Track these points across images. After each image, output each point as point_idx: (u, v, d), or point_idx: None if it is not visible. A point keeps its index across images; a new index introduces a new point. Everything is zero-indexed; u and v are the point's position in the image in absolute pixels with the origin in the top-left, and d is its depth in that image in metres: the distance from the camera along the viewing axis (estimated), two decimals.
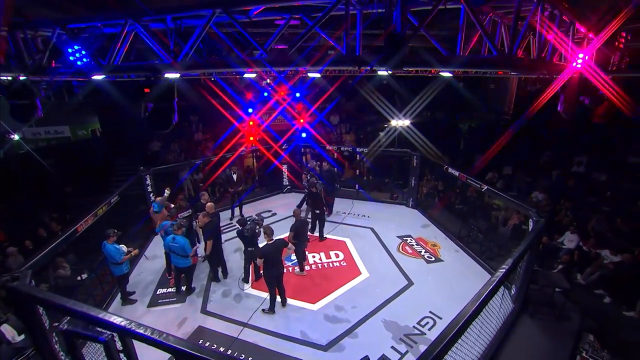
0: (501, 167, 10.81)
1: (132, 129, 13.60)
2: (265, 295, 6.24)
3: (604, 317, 6.12)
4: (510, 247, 7.53)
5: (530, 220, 5.62)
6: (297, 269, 7.22)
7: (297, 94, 13.00)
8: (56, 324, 5.72)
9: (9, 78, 4.51)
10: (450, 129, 14.00)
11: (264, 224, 6.50)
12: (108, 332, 3.54)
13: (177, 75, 4.83)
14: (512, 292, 5.86)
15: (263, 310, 6.09)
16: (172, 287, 6.78)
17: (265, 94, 12.83)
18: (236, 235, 6.85)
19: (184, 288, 6.65)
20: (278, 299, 6.11)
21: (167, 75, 4.58)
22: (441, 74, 6.38)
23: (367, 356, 3.08)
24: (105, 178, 12.52)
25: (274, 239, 5.80)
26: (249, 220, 6.53)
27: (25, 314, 4.31)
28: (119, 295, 6.55)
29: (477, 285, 6.41)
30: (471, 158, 11.96)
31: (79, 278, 7.18)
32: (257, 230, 6.38)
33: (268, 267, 5.75)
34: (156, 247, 8.11)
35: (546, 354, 5.07)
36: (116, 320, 3.47)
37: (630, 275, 6.47)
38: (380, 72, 3.72)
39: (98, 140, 15.31)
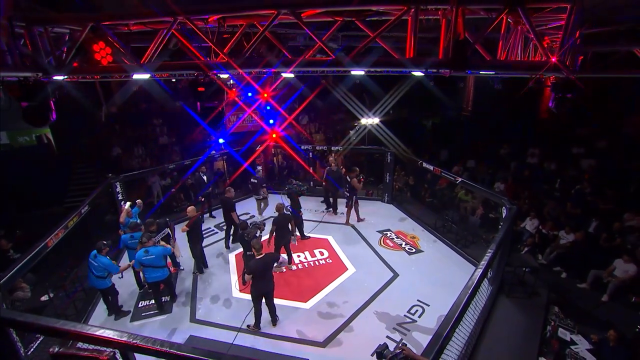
0: (465, 161, 11.58)
1: (89, 134, 12.64)
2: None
3: (564, 291, 6.87)
4: (482, 235, 8.20)
5: (504, 208, 6.14)
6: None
7: (266, 95, 12.85)
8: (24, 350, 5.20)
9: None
10: (415, 126, 14.72)
11: (256, 234, 6.21)
12: (109, 350, 3.32)
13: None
14: (489, 275, 6.35)
15: (248, 326, 5.72)
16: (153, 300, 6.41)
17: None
18: (237, 239, 6.63)
19: (166, 299, 6.35)
20: (266, 315, 5.77)
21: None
22: (413, 73, 6.75)
23: (385, 343, 3.21)
24: (60, 188, 11.49)
25: (264, 253, 5.46)
26: (250, 225, 6.38)
27: None
28: (95, 313, 6.11)
29: (458, 272, 7.03)
30: (437, 153, 12.70)
31: (43, 298, 6.57)
32: (257, 235, 6.23)
33: (256, 283, 5.43)
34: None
35: (523, 327, 5.59)
36: (117, 336, 3.27)
37: (581, 252, 7.31)
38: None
39: (46, 147, 13.94)
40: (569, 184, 9.49)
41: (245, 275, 5.43)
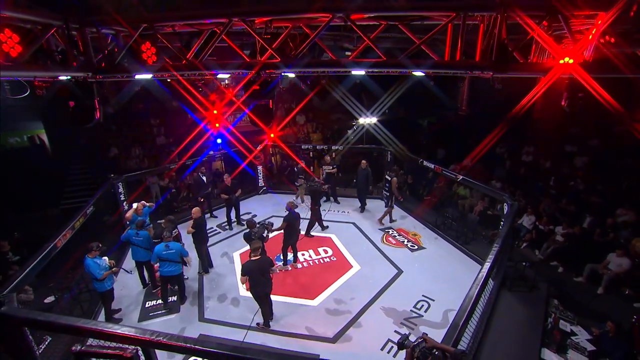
0: (461, 159, 11.81)
1: (86, 135, 12.45)
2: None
3: (562, 284, 7.10)
4: (481, 231, 8.39)
5: (505, 204, 6.32)
6: (280, 264, 7.34)
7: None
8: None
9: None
10: (413, 125, 14.95)
11: (263, 234, 6.27)
12: (132, 347, 3.35)
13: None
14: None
15: (257, 324, 5.79)
16: (160, 299, 6.40)
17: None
18: (243, 237, 6.62)
19: (172, 299, 6.35)
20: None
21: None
22: (414, 73, 6.87)
23: (405, 334, 3.31)
24: (55, 190, 11.32)
25: (260, 256, 5.42)
26: (258, 224, 6.41)
27: (13, 342, 3.87)
28: (102, 313, 6.08)
29: (460, 268, 7.21)
30: (434, 151, 12.92)
31: (47, 300, 6.51)
32: (264, 235, 6.27)
33: (253, 286, 5.38)
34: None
35: (526, 319, 5.78)
36: (141, 333, 3.31)
37: (577, 247, 7.55)
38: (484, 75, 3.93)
39: (39, 149, 13.69)
40: (563, 181, 9.78)
41: (241, 277, 5.37)
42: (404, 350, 3.11)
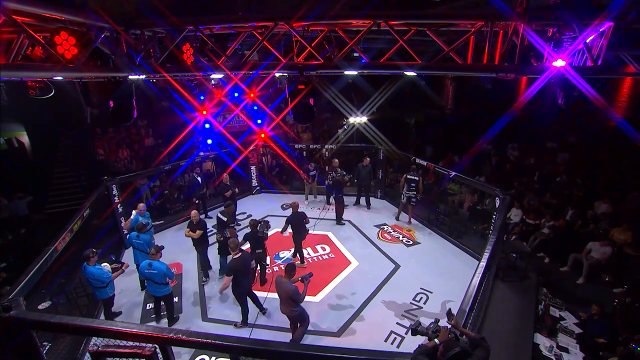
0: (447, 156, 12.19)
1: (72, 137, 12.09)
2: (265, 294, 6.29)
3: (549, 274, 7.50)
4: (472, 226, 8.73)
5: (497, 198, 6.63)
6: (297, 262, 7.40)
7: (252, 95, 12.82)
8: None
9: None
10: (399, 124, 15.30)
11: (232, 235, 6.17)
12: (150, 345, 3.36)
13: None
14: None
15: (235, 324, 5.79)
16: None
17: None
18: (244, 238, 6.57)
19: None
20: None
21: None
22: (406, 73, 7.10)
23: (418, 321, 3.47)
24: (39, 193, 10.94)
25: (240, 252, 5.47)
26: (259, 222, 6.45)
27: (21, 346, 3.79)
28: (102, 317, 5.97)
29: (455, 261, 7.50)
30: (422, 149, 13.29)
31: (41, 307, 6.32)
32: (265, 232, 6.33)
33: (239, 282, 5.40)
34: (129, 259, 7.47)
35: (519, 307, 6.10)
36: (158, 331, 3.34)
37: (561, 238, 7.98)
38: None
39: (17, 152, 13.14)
40: (546, 176, 10.28)
41: (225, 278, 5.32)
42: (420, 336, 3.25)
